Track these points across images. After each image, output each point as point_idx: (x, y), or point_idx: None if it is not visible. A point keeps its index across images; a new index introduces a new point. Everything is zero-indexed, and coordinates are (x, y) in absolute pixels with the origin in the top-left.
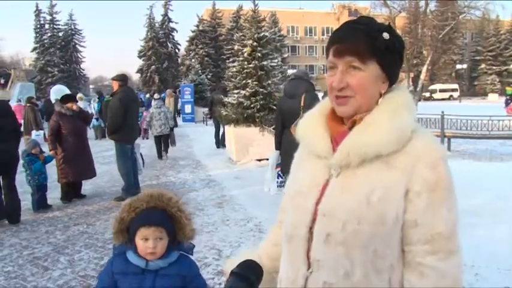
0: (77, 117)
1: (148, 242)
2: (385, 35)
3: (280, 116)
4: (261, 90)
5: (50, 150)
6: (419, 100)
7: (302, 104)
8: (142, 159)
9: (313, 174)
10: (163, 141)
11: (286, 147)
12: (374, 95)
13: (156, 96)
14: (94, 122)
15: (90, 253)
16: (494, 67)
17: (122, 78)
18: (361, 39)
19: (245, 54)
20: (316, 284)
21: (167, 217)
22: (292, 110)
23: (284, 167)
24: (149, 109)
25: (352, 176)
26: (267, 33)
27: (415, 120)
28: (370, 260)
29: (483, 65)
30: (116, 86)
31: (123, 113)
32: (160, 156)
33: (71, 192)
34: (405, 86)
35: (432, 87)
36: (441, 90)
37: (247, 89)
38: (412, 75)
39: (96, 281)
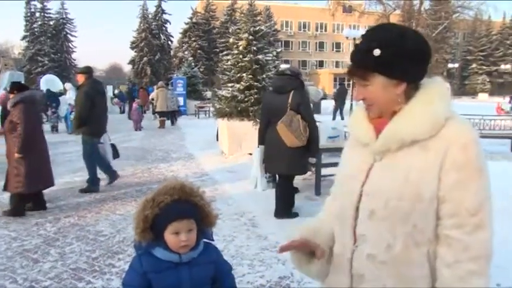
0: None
1: (181, 236)
2: (376, 52)
3: (266, 111)
4: (256, 84)
5: None
6: None
7: (290, 100)
8: (116, 149)
9: (359, 161)
10: (173, 115)
11: (271, 143)
12: (391, 98)
13: (170, 87)
14: (68, 114)
15: (82, 245)
16: (484, 67)
17: (87, 71)
18: (356, 61)
19: (240, 48)
20: (361, 256)
21: (193, 207)
22: (279, 106)
23: (267, 165)
24: (137, 100)
25: (393, 160)
26: (262, 27)
27: (450, 108)
28: (410, 233)
29: (474, 65)
30: (81, 79)
31: (89, 106)
32: (172, 123)
33: (22, 204)
34: (439, 78)
35: None
36: None
37: (242, 82)
38: None
39: (88, 274)
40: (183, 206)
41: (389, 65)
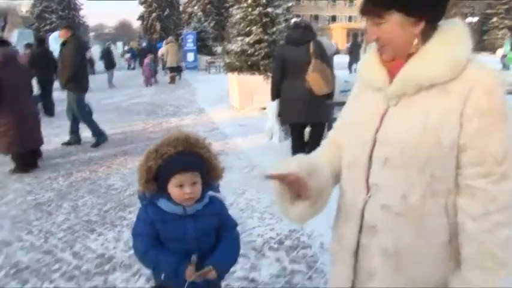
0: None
1: (185, 188)
2: None
3: (281, 64)
4: (266, 37)
5: None
6: None
7: (312, 51)
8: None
9: (372, 106)
10: (178, 70)
11: (288, 96)
12: (406, 38)
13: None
14: None
15: (94, 199)
16: (506, 21)
17: (73, 26)
18: None
19: (249, 1)
20: (375, 207)
21: (198, 159)
22: (298, 57)
23: (284, 116)
24: (149, 56)
25: (410, 104)
26: None
27: (470, 50)
28: (428, 182)
29: (495, 19)
30: (66, 34)
31: (79, 61)
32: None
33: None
34: (458, 20)
35: None
36: None
37: (251, 36)
38: None
39: (100, 226)
40: (188, 157)
41: (408, 1)
